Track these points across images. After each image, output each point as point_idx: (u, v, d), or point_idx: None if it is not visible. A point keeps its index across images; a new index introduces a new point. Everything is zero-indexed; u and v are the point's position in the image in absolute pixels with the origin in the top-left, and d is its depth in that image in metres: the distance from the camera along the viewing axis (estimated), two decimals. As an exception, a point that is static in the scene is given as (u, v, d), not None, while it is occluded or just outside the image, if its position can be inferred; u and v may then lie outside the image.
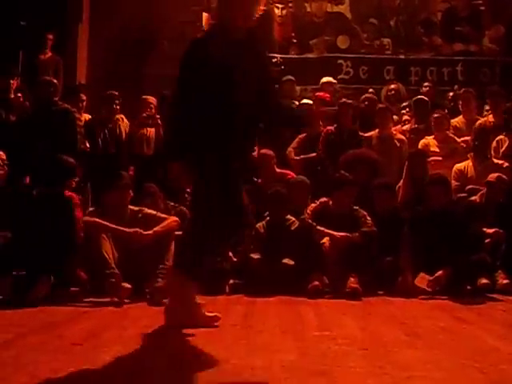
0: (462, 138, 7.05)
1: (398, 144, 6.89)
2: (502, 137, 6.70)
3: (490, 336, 3.40)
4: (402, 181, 6.27)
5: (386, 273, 5.09)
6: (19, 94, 7.07)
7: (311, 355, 2.88)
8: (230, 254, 5.08)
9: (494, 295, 4.90)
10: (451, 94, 8.45)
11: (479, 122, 7.08)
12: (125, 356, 2.82)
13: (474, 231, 5.19)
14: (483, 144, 6.61)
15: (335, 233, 5.13)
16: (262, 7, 3.47)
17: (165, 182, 5.28)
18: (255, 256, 5.13)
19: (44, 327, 3.52)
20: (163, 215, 4.91)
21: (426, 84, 8.63)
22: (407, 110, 7.82)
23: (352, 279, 4.87)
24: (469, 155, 6.59)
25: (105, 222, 4.65)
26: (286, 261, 5.12)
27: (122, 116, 7.21)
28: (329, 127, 6.84)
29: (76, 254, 4.67)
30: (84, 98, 7.49)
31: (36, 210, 4.64)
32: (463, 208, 5.55)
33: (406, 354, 2.95)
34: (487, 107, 7.59)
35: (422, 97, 7.64)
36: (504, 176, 5.78)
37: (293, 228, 5.28)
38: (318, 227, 5.15)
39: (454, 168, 6.51)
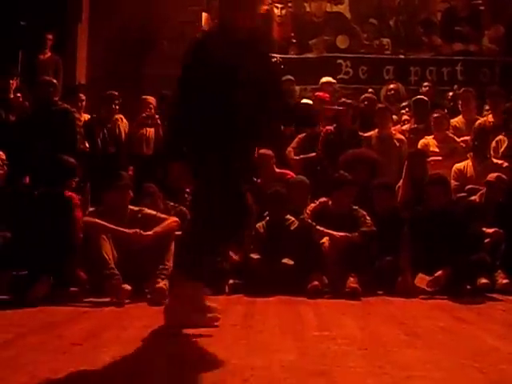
0: (462, 138, 7.06)
1: (398, 144, 6.90)
2: (501, 137, 6.70)
3: (490, 336, 3.40)
4: (401, 181, 6.27)
5: (386, 273, 5.09)
6: (19, 94, 7.08)
7: (311, 355, 2.88)
8: (231, 253, 5.08)
9: (494, 295, 4.90)
10: (451, 93, 8.46)
11: (479, 121, 7.08)
12: (124, 356, 2.82)
13: (473, 231, 5.19)
14: (483, 144, 6.61)
15: (335, 233, 5.13)
16: (263, 7, 3.47)
17: (164, 182, 5.27)
18: (255, 256, 5.13)
19: (44, 327, 3.52)
20: (163, 215, 4.90)
21: (425, 84, 8.63)
22: (407, 109, 7.82)
23: (351, 279, 4.87)
24: (468, 155, 6.60)
25: (105, 223, 4.64)
26: (285, 261, 5.12)
27: (121, 116, 7.21)
28: (328, 127, 6.84)
29: (75, 254, 4.66)
30: (83, 97, 7.50)
31: (36, 209, 4.64)
32: (463, 208, 5.55)
33: (406, 353, 2.95)
34: (487, 107, 7.59)
35: (422, 97, 7.64)
36: (503, 176, 5.79)
37: (292, 228, 5.28)
38: (318, 227, 5.15)
39: (454, 168, 6.52)
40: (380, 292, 4.98)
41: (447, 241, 5.04)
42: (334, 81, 8.57)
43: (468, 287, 5.06)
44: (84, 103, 7.50)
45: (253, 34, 3.43)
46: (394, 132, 7.12)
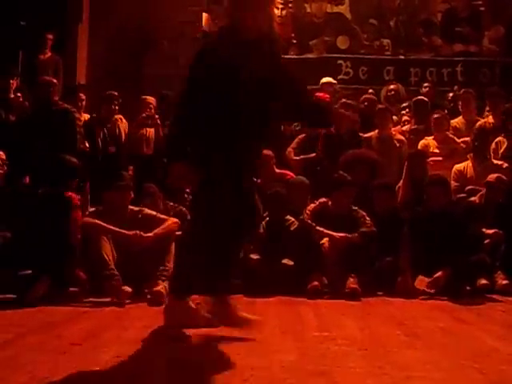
0: (462, 139, 7.06)
1: (398, 144, 6.89)
2: (500, 138, 6.70)
3: (490, 337, 3.40)
4: (401, 181, 6.27)
5: (386, 273, 5.09)
6: (19, 94, 7.07)
7: (311, 355, 2.88)
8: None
9: (494, 296, 4.91)
10: (451, 94, 8.45)
11: (479, 122, 7.08)
12: (124, 356, 2.82)
13: (473, 232, 5.19)
14: (483, 145, 6.61)
15: (334, 233, 5.13)
16: (274, 7, 3.45)
17: (164, 182, 5.27)
18: (255, 256, 5.13)
19: (43, 327, 3.51)
20: (163, 216, 4.89)
21: (425, 84, 8.62)
22: (407, 110, 7.81)
23: (351, 279, 4.87)
24: (468, 156, 6.60)
25: (105, 224, 4.63)
26: (285, 261, 5.12)
27: (121, 116, 7.21)
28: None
29: (74, 255, 4.66)
30: (83, 97, 7.50)
31: (35, 209, 4.64)
32: (463, 209, 5.56)
33: (406, 354, 2.95)
34: (488, 108, 7.59)
35: (422, 97, 7.64)
36: (503, 176, 5.78)
37: (292, 228, 5.28)
38: (318, 228, 5.15)
39: (454, 169, 6.52)
40: (380, 292, 4.98)
41: (447, 241, 5.04)
42: (335, 81, 8.55)
43: (468, 288, 5.06)
44: (84, 103, 7.50)
45: (263, 34, 3.41)
46: (394, 133, 7.12)
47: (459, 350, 3.06)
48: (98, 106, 7.35)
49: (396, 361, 2.80)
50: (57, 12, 8.97)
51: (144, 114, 7.08)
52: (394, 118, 7.68)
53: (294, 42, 9.87)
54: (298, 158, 6.77)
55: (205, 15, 9.66)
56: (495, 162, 6.47)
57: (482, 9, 10.09)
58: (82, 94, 7.51)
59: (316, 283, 4.86)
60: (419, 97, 7.68)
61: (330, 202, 5.38)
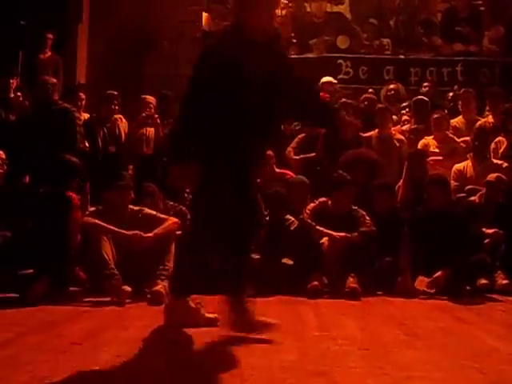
0: (462, 139, 7.06)
1: (398, 144, 6.90)
2: (500, 138, 6.70)
3: (490, 336, 3.40)
4: (401, 181, 6.27)
5: (386, 273, 5.09)
6: (19, 94, 7.08)
7: (311, 355, 2.88)
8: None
9: (494, 295, 4.91)
10: (451, 94, 8.45)
11: (479, 122, 7.09)
12: (124, 356, 2.81)
13: (473, 231, 5.19)
14: (483, 144, 6.61)
15: (334, 233, 5.13)
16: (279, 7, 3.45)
17: (164, 181, 5.27)
18: (254, 256, 5.12)
19: (43, 326, 3.51)
20: (163, 216, 4.89)
21: (425, 84, 8.64)
22: (407, 110, 7.82)
23: (351, 279, 4.87)
24: (468, 155, 6.60)
25: (105, 224, 4.63)
26: (285, 261, 5.12)
27: (121, 116, 7.21)
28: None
29: (74, 255, 4.66)
30: (83, 97, 7.50)
31: (35, 209, 4.64)
32: (463, 208, 5.56)
33: (406, 354, 2.95)
34: (488, 107, 7.59)
35: (422, 97, 7.64)
36: (503, 176, 5.78)
37: (292, 228, 5.27)
38: (318, 227, 5.15)
39: (454, 168, 6.52)
40: (380, 292, 4.98)
41: (447, 241, 5.04)
42: (335, 81, 8.55)
43: (468, 288, 5.06)
44: (84, 103, 7.50)
45: (268, 34, 3.40)
46: (394, 132, 7.12)
47: (459, 349, 3.06)
48: (98, 105, 7.35)
49: (396, 361, 2.80)
50: (57, 12, 8.98)
51: (144, 114, 7.08)
52: (394, 117, 7.68)
53: (294, 41, 9.87)
54: (297, 157, 6.77)
55: (205, 15, 9.66)
56: (495, 161, 6.48)
57: (482, 9, 10.10)
58: (81, 94, 7.50)
59: (316, 283, 4.86)
60: (419, 96, 7.68)
61: (329, 202, 5.38)
